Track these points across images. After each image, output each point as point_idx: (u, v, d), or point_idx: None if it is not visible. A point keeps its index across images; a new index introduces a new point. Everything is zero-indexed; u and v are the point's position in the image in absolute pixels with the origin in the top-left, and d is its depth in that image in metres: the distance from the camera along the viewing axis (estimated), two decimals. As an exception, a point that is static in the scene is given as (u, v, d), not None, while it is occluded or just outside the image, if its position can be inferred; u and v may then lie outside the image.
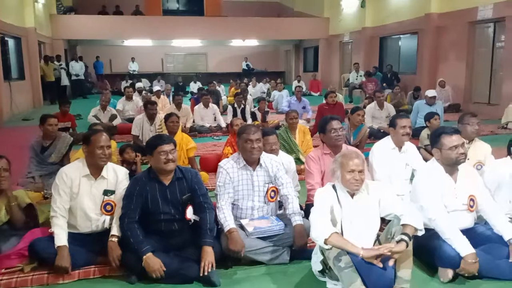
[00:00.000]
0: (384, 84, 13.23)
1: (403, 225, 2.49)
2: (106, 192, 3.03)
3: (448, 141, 2.89)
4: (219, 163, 3.22)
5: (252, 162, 3.16)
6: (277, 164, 3.25)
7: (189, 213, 2.95)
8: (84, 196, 2.99)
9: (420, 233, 2.52)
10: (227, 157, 4.03)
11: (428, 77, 12.47)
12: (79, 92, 16.28)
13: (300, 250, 3.01)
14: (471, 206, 2.96)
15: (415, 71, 13.43)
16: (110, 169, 3.09)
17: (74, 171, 3.00)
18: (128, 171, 3.22)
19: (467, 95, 11.55)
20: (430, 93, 7.42)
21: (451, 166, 2.94)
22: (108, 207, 3.02)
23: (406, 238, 2.40)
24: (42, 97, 14.03)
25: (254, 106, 9.93)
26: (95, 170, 3.03)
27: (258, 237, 3.00)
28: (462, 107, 11.28)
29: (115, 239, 2.84)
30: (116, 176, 3.08)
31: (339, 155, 2.74)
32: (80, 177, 2.99)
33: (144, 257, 2.68)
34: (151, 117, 6.31)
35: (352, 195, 2.66)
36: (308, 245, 3.04)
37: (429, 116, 5.49)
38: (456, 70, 11.68)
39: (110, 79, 19.26)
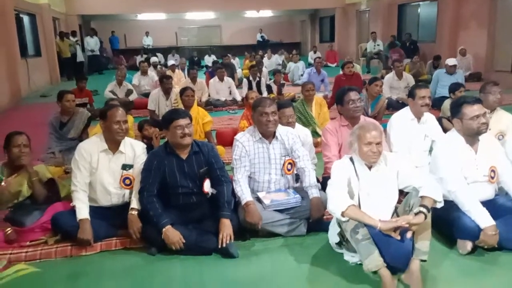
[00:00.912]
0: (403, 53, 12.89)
1: (421, 197, 2.46)
2: (125, 167, 3.07)
3: (470, 110, 2.81)
4: (235, 137, 3.21)
5: (268, 135, 3.15)
6: (293, 136, 3.23)
7: (207, 186, 2.98)
8: (103, 170, 3.03)
9: (439, 205, 2.49)
10: (243, 130, 4.04)
11: (448, 45, 12.09)
12: (95, 68, 16.34)
13: (317, 223, 3.03)
14: (492, 178, 2.91)
15: (434, 40, 13.02)
16: (127, 144, 3.12)
17: (92, 146, 3.04)
18: (145, 146, 3.23)
19: (489, 64, 11.19)
20: (451, 61, 7.22)
21: (472, 137, 2.88)
22: (127, 181, 3.06)
23: (424, 210, 2.37)
24: (59, 74, 14.14)
25: (270, 79, 9.83)
26: (113, 145, 3.05)
27: (275, 210, 3.02)
28: (484, 75, 10.96)
29: (135, 212, 2.90)
30: (134, 150, 3.11)
31: (356, 127, 2.69)
32: (98, 152, 3.03)
33: (164, 229, 2.73)
34: (167, 92, 6.31)
35: (369, 167, 2.63)
36: (325, 217, 3.04)
37: (454, 88, 5.30)
38: (477, 38, 11.29)
39: (125, 54, 19.23)
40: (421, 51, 12.94)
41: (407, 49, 13.16)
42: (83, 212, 2.87)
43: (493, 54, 11.15)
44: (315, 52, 16.47)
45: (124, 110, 3.12)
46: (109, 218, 3.01)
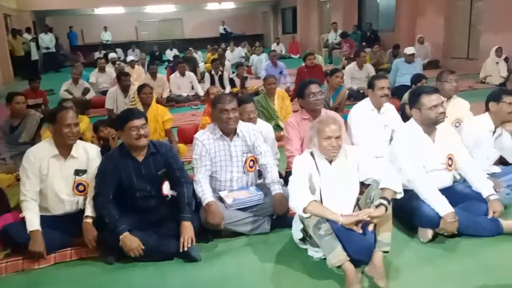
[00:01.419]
0: (364, 43, 13.07)
1: (382, 189, 2.46)
2: (78, 172, 2.92)
3: (428, 100, 2.83)
4: (195, 135, 3.12)
5: (229, 132, 3.07)
6: (255, 132, 3.16)
7: (166, 188, 2.88)
8: (54, 177, 2.87)
9: (399, 196, 2.49)
10: (205, 127, 3.93)
11: (407, 34, 12.35)
12: (51, 66, 15.70)
13: (280, 219, 2.99)
14: (450, 165, 2.95)
15: (393, 29, 13.27)
16: (80, 148, 2.96)
17: (41, 151, 2.87)
18: (99, 149, 3.09)
19: (446, 51, 11.52)
20: (409, 50, 7.33)
21: (430, 126, 2.90)
22: (81, 187, 2.91)
23: (385, 202, 2.37)
24: (13, 73, 13.50)
25: (233, 72, 9.71)
26: (64, 149, 2.90)
27: (237, 209, 2.96)
28: (441, 63, 11.26)
29: (89, 220, 2.76)
30: (87, 154, 2.96)
31: (315, 122, 2.66)
32: (48, 157, 2.86)
33: (121, 236, 2.61)
34: (125, 89, 6.10)
35: (330, 161, 2.61)
36: (288, 213, 3.01)
37: (416, 79, 5.30)
38: (435, 25, 11.57)
39: (83, 51, 18.60)
40: (382, 40, 13.15)
41: (368, 39, 13.34)
42: (33, 223, 2.71)
43: (450, 41, 11.48)
44: (278, 44, 16.47)
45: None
46: (63, 227, 2.85)
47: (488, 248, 2.67)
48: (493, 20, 9.70)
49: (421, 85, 5.06)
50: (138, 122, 2.74)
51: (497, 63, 8.47)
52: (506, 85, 4.65)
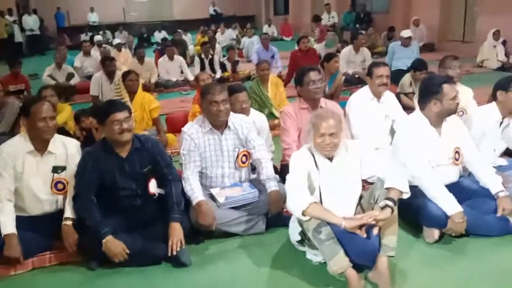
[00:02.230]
0: (358, 25, 12.78)
1: (387, 188, 2.26)
2: (56, 169, 2.68)
3: (450, 90, 2.65)
4: (182, 128, 2.89)
5: (220, 125, 2.84)
6: (248, 125, 2.94)
7: (152, 186, 2.66)
8: (31, 175, 2.64)
9: (405, 196, 2.31)
10: (196, 116, 3.70)
11: (402, 16, 12.08)
12: (35, 49, 15.16)
13: (276, 217, 2.80)
14: (456, 159, 2.77)
15: (388, 10, 12.99)
16: (58, 142, 2.72)
17: (15, 147, 2.63)
18: (79, 143, 2.86)
19: (441, 34, 11.30)
20: (406, 33, 7.11)
21: (441, 118, 2.71)
22: (60, 186, 2.68)
23: (391, 203, 2.18)
24: (-5, 57, 13.02)
25: (223, 56, 9.40)
26: (40, 144, 2.65)
27: (230, 207, 2.75)
28: (437, 46, 11.06)
29: (69, 222, 2.54)
30: (66, 149, 2.72)
31: (313, 115, 2.44)
32: (23, 154, 2.62)
33: (104, 240, 2.39)
34: (110, 75, 5.79)
35: (330, 159, 2.40)
36: (284, 210, 2.81)
37: (418, 67, 5.07)
38: (430, 6, 11.32)
39: (68, 33, 18.00)
40: (375, 22, 12.87)
41: (361, 21, 13.05)
42: (8, 225, 2.48)
43: (446, 24, 11.24)
44: (269, 26, 16.10)
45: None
46: (42, 229, 2.62)
47: (497, 250, 2.51)
48: (490, 2, 9.47)
49: (421, 75, 4.85)
50: (120, 115, 2.50)
51: (495, 46, 8.28)
52: (510, 71, 4.43)
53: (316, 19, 12.43)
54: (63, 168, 2.70)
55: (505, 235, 2.60)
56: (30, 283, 2.42)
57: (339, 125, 2.35)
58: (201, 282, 2.36)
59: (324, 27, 12.31)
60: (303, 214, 2.21)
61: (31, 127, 2.61)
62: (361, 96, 3.61)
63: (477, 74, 7.74)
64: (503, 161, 3.23)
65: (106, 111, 2.54)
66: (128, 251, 2.41)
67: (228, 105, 2.81)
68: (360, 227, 2.17)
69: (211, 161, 2.86)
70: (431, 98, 2.67)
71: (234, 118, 2.92)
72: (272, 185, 2.79)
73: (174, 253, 2.44)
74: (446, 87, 2.64)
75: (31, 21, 15.03)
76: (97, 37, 10.83)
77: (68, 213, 2.57)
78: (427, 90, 2.73)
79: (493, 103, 3.18)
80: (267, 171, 2.85)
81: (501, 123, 3.18)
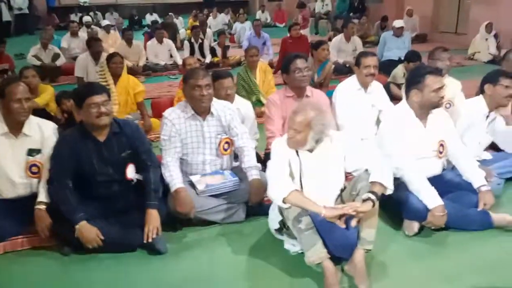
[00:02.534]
0: (351, 14, 12.67)
1: (371, 182, 2.22)
2: (31, 152, 2.61)
3: (433, 82, 2.58)
4: (164, 113, 2.82)
5: (202, 111, 2.78)
6: (231, 112, 2.88)
7: (130, 172, 2.60)
8: (4, 157, 2.56)
9: (389, 192, 2.27)
10: (181, 101, 3.62)
11: (396, 5, 12.00)
12: (23, 28, 14.83)
13: (256, 206, 2.76)
14: (441, 152, 2.74)
15: (382, -1, 12.89)
16: (33, 124, 2.64)
17: (-12, 129, 2.54)
18: (56, 126, 2.77)
19: (434, 25, 11.25)
20: (398, 23, 7.04)
21: (425, 110, 2.67)
22: (34, 169, 2.61)
23: (373, 197, 2.14)
24: (-18, 35, 12.71)
25: (214, 41, 9.27)
26: (15, 126, 2.57)
27: (210, 195, 2.71)
28: (429, 37, 11.01)
29: (42, 207, 2.48)
30: (42, 132, 2.64)
31: (294, 109, 2.37)
32: (-3, 136, 2.54)
33: (77, 226, 2.34)
34: (96, 56, 5.66)
35: (311, 150, 2.35)
36: (265, 198, 2.77)
37: (411, 58, 4.95)
38: (424, -3, 11.24)
39: (58, 13, 17.62)
40: (369, 11, 12.76)
41: (355, 9, 12.93)
42: (-21, 208, 2.42)
43: (439, 15, 11.19)
44: (263, 12, 15.90)
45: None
46: (15, 212, 2.56)
47: (477, 243, 2.49)
48: (484, -6, 9.43)
49: (414, 65, 4.77)
50: (98, 98, 2.42)
51: (487, 39, 8.24)
52: (501, 64, 4.40)
53: (301, 5, 12.35)
54: (38, 151, 2.62)
55: (485, 229, 2.58)
56: (1, 266, 2.36)
57: (306, 124, 2.23)
58: (176, 269, 2.32)
59: (307, 14, 12.22)
60: (284, 201, 2.17)
61: (5, 108, 2.53)
62: (348, 85, 3.55)
63: (468, 66, 7.72)
64: (488, 155, 3.22)
65: (83, 94, 2.46)
66: (102, 237, 2.36)
67: (211, 90, 2.74)
68: (340, 217, 2.14)
69: (192, 147, 2.80)
70: (412, 87, 2.64)
71: (218, 105, 2.85)
72: (253, 174, 2.75)
73: (150, 240, 2.40)
74: (429, 78, 2.59)
75: (19, 0, 14.67)
76: (86, 18, 10.62)
77: (42, 197, 2.50)
78: (410, 80, 2.69)
79: (480, 96, 3.15)
80: (249, 159, 2.80)
81: (487, 116, 3.15)
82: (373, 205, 2.14)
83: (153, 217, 2.45)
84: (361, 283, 2.11)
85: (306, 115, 2.24)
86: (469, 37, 9.01)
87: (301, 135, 2.25)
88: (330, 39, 8.58)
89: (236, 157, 3.05)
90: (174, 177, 2.63)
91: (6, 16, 13.95)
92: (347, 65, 6.75)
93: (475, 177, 2.68)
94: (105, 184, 2.56)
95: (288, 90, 3.28)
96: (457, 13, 10.69)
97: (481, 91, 3.13)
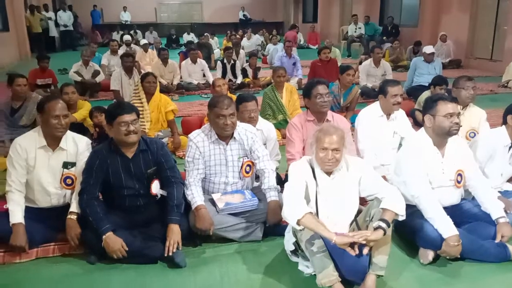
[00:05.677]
0: (384, 38, 12.68)
1: (383, 209, 2.28)
2: (66, 165, 2.80)
3: (444, 107, 2.62)
4: (189, 135, 2.97)
5: (225, 136, 2.91)
6: (253, 135, 2.99)
7: (155, 187, 2.75)
8: (42, 169, 2.76)
9: (401, 218, 2.31)
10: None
11: (430, 30, 11.92)
12: (68, 44, 15.70)
13: (274, 227, 2.84)
14: (459, 182, 2.75)
15: (416, 24, 12.82)
16: (69, 139, 2.84)
17: (29, 142, 2.76)
18: (90, 141, 2.97)
19: (469, 50, 11.09)
20: (428, 49, 7.02)
21: (442, 137, 2.69)
22: (69, 181, 2.80)
23: (383, 225, 2.19)
24: (30, 49, 13.52)
25: (247, 61, 9.50)
26: (52, 140, 2.78)
27: (229, 213, 2.81)
28: (464, 62, 10.87)
29: (74, 216, 2.65)
30: (77, 146, 2.84)
31: (318, 129, 2.47)
32: (36, 148, 2.75)
33: (104, 236, 2.50)
34: (128, 70, 6.03)
35: (329, 173, 2.43)
36: (282, 220, 2.85)
37: (437, 82, 4.86)
38: (459, 22, 11.13)
39: (102, 30, 18.53)
40: (403, 35, 12.74)
41: (389, 33, 12.94)
42: (16, 215, 2.61)
43: (474, 40, 11.04)
44: (297, 33, 16.12)
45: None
46: (48, 220, 2.75)
47: (492, 276, 2.48)
48: (521, 21, 9.27)
49: (440, 90, 4.77)
50: (128, 117, 2.60)
51: (521, 67, 8.08)
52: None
53: (292, 26, 12.58)
54: (73, 164, 2.81)
55: (502, 262, 2.56)
56: (32, 271, 2.53)
57: (341, 141, 2.36)
58: (191, 283, 2.42)
59: (294, 37, 12.32)
60: (298, 223, 2.25)
61: (44, 123, 2.74)
62: (371, 112, 3.61)
63: (500, 94, 7.58)
64: (510, 186, 3.19)
65: (114, 113, 2.64)
66: (126, 249, 2.50)
67: (234, 119, 2.86)
68: (351, 245, 2.19)
69: (215, 170, 2.93)
70: (425, 112, 2.69)
71: (240, 128, 2.97)
72: (272, 195, 2.84)
73: (170, 254, 2.52)
74: (440, 103, 2.63)
75: (65, 17, 15.59)
76: (126, 37, 11.13)
77: (74, 207, 2.68)
78: (424, 106, 2.75)
79: (503, 126, 3.13)
80: (269, 180, 2.90)
81: (510, 147, 3.13)
82: (384, 233, 2.18)
83: (174, 232, 2.57)
84: (370, 308, 2.15)
85: (336, 131, 2.35)
86: (504, 64, 8.85)
87: (340, 154, 2.35)
88: (361, 63, 8.63)
89: (257, 177, 3.16)
90: (195, 196, 2.76)
91: (53, 32, 14.79)
92: (376, 90, 6.78)
93: (494, 208, 2.67)
94: (131, 198, 2.72)
95: (309, 114, 3.38)
96: (492, 39, 10.52)
97: (503, 121, 3.12)
